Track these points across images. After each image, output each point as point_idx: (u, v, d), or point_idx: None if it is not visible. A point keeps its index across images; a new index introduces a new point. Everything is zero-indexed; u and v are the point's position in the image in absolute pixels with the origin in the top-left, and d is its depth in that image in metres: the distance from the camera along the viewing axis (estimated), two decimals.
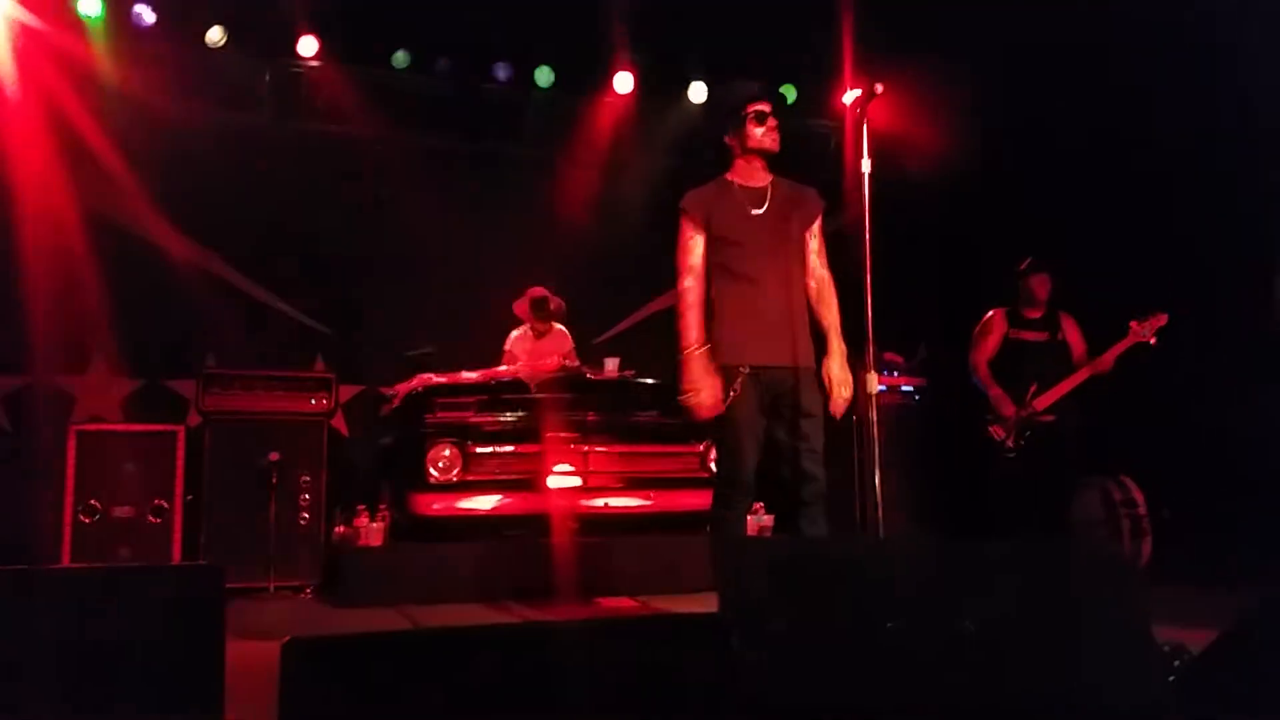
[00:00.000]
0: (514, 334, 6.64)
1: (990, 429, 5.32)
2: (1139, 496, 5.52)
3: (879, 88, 3.22)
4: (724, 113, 3.81)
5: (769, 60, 7.52)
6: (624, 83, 7.73)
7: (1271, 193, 5.16)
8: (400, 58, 7.22)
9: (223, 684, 1.99)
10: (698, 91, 7.87)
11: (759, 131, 3.58)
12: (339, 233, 7.21)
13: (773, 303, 3.52)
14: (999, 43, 6.02)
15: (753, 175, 3.65)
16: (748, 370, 3.47)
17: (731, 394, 3.44)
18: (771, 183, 3.66)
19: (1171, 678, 1.96)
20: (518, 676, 1.76)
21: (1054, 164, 6.19)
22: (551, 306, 6.57)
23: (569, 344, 6.62)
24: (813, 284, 3.66)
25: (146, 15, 6.52)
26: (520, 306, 6.58)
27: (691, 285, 3.61)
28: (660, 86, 7.93)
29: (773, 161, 3.66)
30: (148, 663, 1.96)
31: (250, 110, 7.04)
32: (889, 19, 6.02)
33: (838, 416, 3.50)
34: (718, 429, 3.56)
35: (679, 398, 3.58)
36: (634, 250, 7.77)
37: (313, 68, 7.16)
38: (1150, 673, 1.77)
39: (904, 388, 6.46)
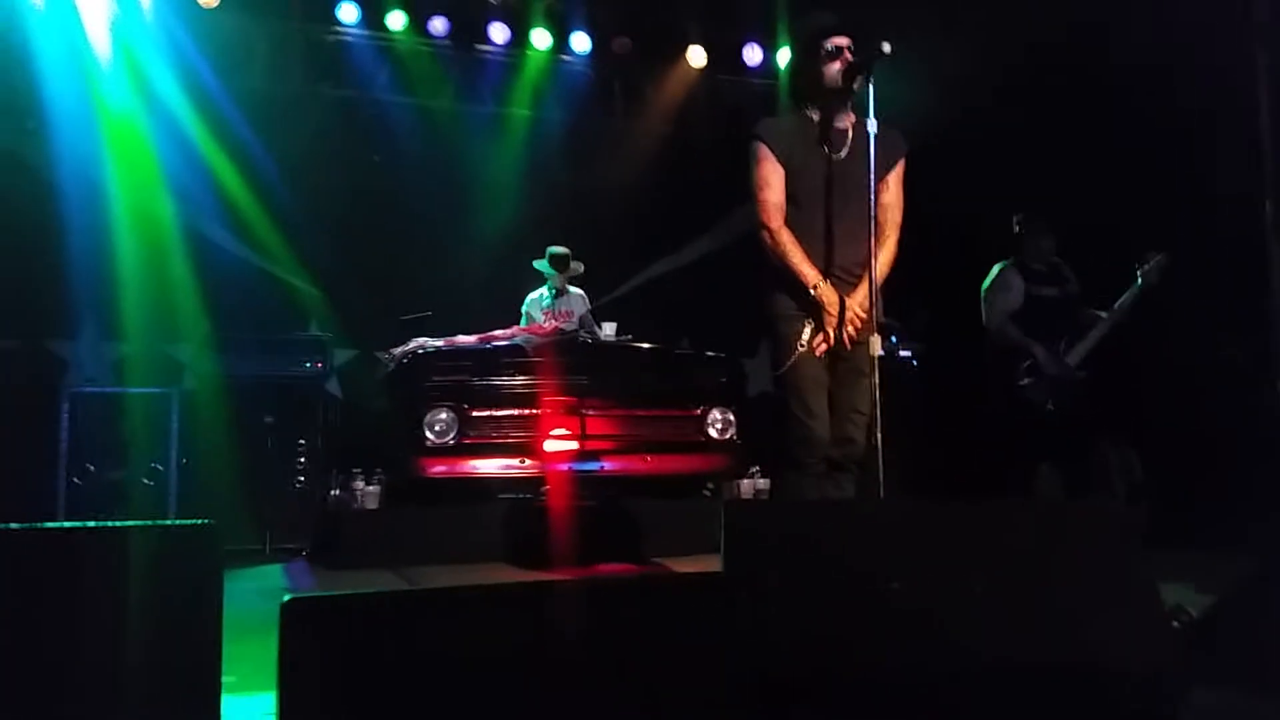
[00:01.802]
0: (531, 295, 6.64)
1: (1027, 391, 5.13)
2: (1135, 460, 5.50)
3: (886, 47, 3.13)
4: (797, 47, 3.51)
5: (767, 22, 7.43)
6: (624, 46, 7.66)
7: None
8: (397, 19, 7.12)
9: (220, 643, 1.97)
10: (697, 55, 7.79)
11: (835, 68, 3.30)
12: (335, 195, 7.14)
13: (839, 251, 3.33)
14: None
15: (833, 114, 3.38)
16: (813, 324, 3.31)
17: (798, 348, 3.28)
18: (854, 124, 3.39)
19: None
20: (518, 636, 1.74)
21: (1043, 110, 6.07)
22: (570, 263, 6.54)
23: (586, 306, 6.62)
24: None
25: None
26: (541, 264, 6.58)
27: (781, 225, 3.31)
28: (659, 50, 7.86)
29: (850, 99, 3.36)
30: (144, 622, 1.94)
31: (243, 73, 6.94)
32: None
33: (828, 344, 3.29)
34: (783, 388, 3.36)
35: (818, 337, 3.28)
36: (633, 215, 7.74)
37: (307, 29, 7.09)
38: (1157, 636, 1.76)
39: (902, 353, 6.45)
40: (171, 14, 6.58)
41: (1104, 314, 5.14)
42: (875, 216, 3.20)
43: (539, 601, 1.80)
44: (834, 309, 3.27)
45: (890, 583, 1.84)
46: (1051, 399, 5.10)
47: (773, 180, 3.35)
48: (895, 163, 3.47)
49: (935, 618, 1.87)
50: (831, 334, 3.29)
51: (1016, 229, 5.31)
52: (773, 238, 3.34)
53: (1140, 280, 5.02)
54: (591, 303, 6.79)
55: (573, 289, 6.69)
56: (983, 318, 5.35)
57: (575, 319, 6.28)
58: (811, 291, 3.28)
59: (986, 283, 5.35)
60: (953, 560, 1.95)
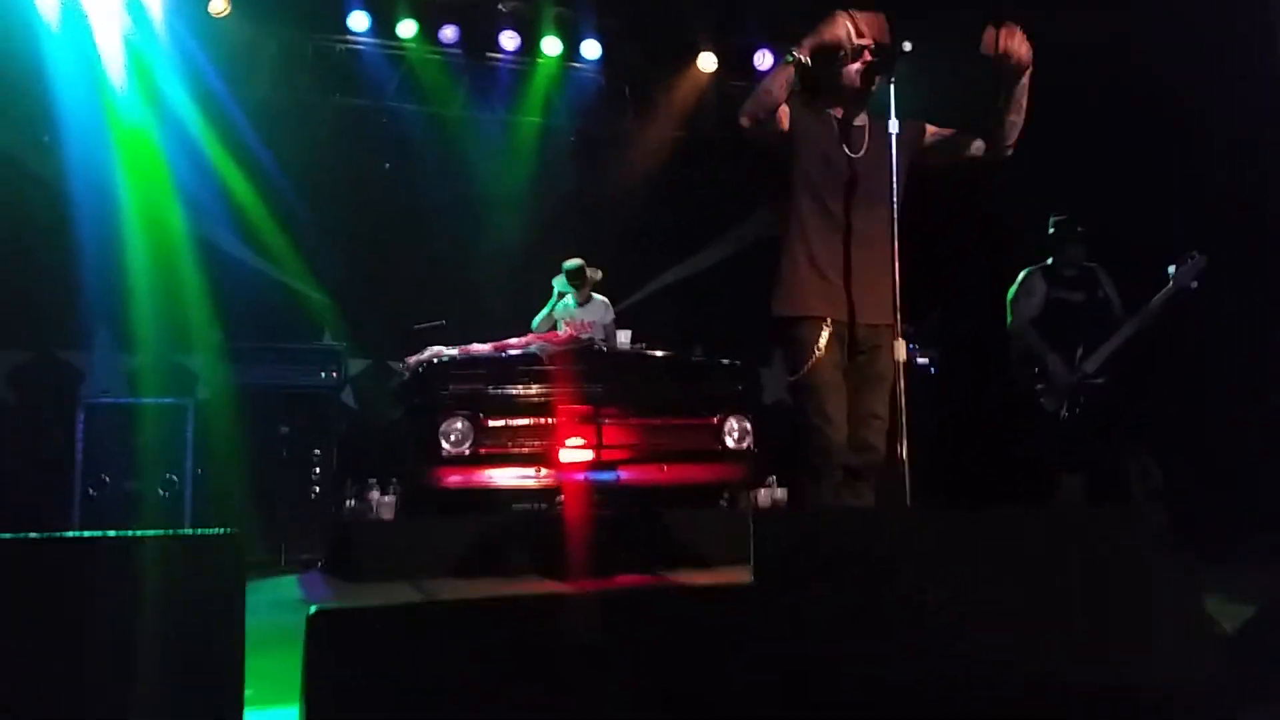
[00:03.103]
0: (556, 303, 6.61)
1: (1040, 398, 5.06)
2: (1154, 468, 5.43)
3: (907, 45, 3.09)
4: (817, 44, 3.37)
5: (778, 27, 7.39)
6: (633, 52, 7.65)
7: None
8: (408, 28, 7.12)
9: (243, 655, 1.94)
10: (707, 61, 7.77)
11: (855, 68, 3.25)
12: (347, 204, 7.15)
13: (858, 253, 3.24)
14: None
15: (850, 114, 3.34)
16: (830, 326, 3.20)
17: (815, 352, 3.16)
18: (869, 125, 3.35)
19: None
20: (548, 649, 1.71)
21: (1069, 111, 5.99)
22: (587, 275, 6.53)
23: (610, 314, 6.59)
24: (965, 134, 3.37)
25: None
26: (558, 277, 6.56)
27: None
28: (669, 56, 7.84)
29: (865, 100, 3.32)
30: (166, 633, 1.91)
31: (254, 82, 6.94)
32: None
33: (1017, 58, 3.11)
34: (799, 394, 3.24)
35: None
36: (644, 221, 7.73)
37: (318, 38, 7.10)
38: (1205, 649, 1.71)
39: (919, 360, 6.39)
40: (182, 24, 6.59)
41: (1131, 318, 5.01)
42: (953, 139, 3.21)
43: (568, 613, 1.77)
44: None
45: (923, 594, 1.80)
46: (1065, 406, 5.03)
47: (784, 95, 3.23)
48: (921, 132, 3.40)
49: (969, 630, 1.83)
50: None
51: (1051, 230, 5.23)
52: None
53: (1173, 282, 4.86)
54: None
55: (596, 296, 6.66)
56: (1008, 322, 5.30)
57: (598, 328, 6.24)
58: (792, 58, 3.16)
59: (1012, 288, 5.29)
60: (986, 570, 1.91)
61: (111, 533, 2.10)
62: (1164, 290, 4.89)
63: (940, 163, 3.43)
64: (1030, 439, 5.18)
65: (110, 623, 1.94)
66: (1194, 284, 4.85)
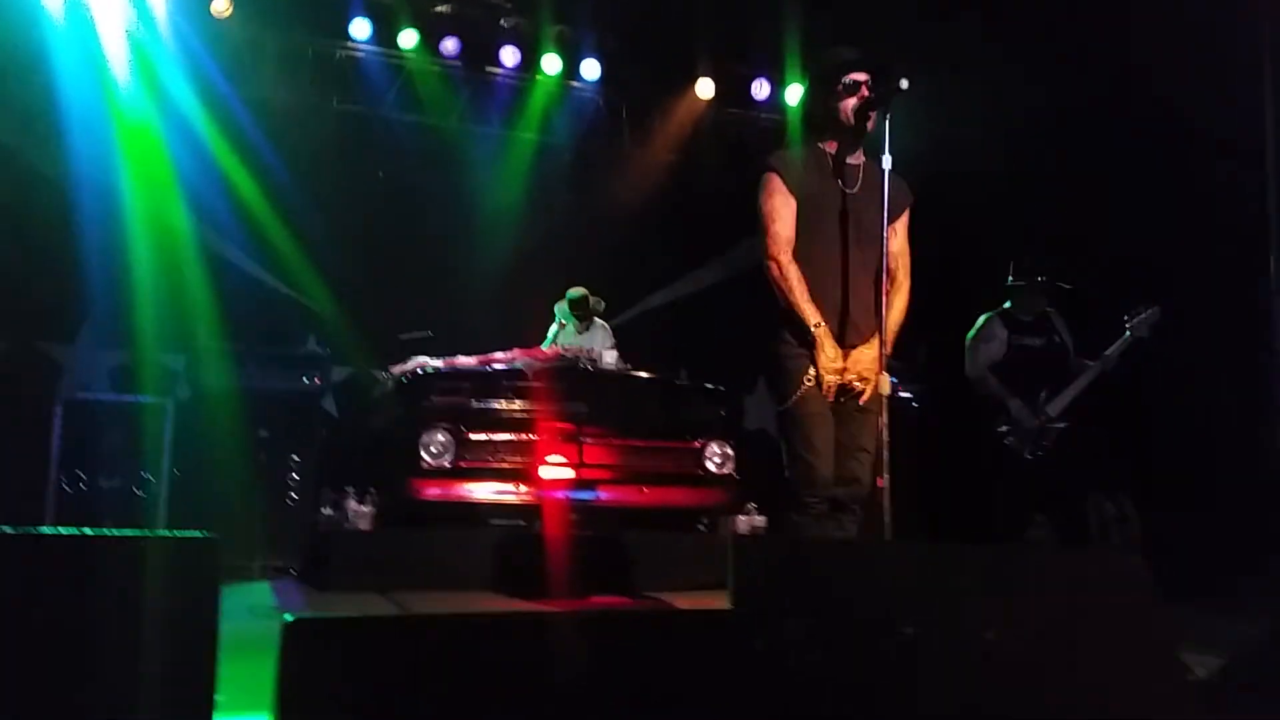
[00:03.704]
0: (555, 328, 6.63)
1: (1006, 440, 5.16)
2: (1131, 511, 5.47)
3: (904, 83, 3.12)
4: (814, 79, 3.47)
5: (776, 57, 7.45)
6: (631, 76, 7.70)
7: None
8: (409, 38, 7.14)
9: (216, 661, 1.92)
10: (705, 87, 7.82)
11: (851, 104, 3.27)
12: (338, 210, 7.14)
13: (850, 291, 3.28)
14: (1000, 42, 5.98)
15: (846, 150, 3.36)
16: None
17: (804, 383, 3.22)
18: (864, 164, 3.37)
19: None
20: (526, 667, 1.71)
21: (1052, 152, 6.11)
22: (590, 304, 6.56)
23: (610, 340, 6.61)
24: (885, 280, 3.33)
25: None
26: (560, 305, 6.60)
27: (789, 260, 3.24)
28: (668, 80, 7.89)
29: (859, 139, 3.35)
30: (137, 635, 1.89)
31: (254, 83, 6.94)
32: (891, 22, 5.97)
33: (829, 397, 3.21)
34: (786, 424, 3.28)
35: (824, 382, 3.19)
36: (635, 243, 7.76)
37: (319, 43, 7.11)
38: (1176, 694, 1.72)
39: (902, 393, 6.41)
40: (185, 23, 6.60)
41: (1091, 363, 5.14)
42: (887, 256, 3.20)
43: (545, 632, 1.77)
44: (832, 355, 3.20)
45: (903, 628, 1.80)
46: (1029, 449, 5.12)
47: (783, 213, 3.31)
48: (902, 211, 3.45)
49: (943, 665, 1.84)
50: (826, 378, 3.19)
51: (1012, 278, 5.33)
52: (780, 270, 3.28)
53: (1129, 333, 5.02)
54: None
55: (597, 321, 6.69)
56: (966, 367, 5.36)
57: (599, 354, 6.25)
58: (812, 329, 3.21)
59: (971, 332, 5.38)
60: (963, 605, 1.91)
61: (87, 530, 2.08)
62: (1120, 340, 5.04)
63: None
64: (999, 479, 5.25)
65: (82, 621, 1.92)
66: (1148, 334, 5.00)
